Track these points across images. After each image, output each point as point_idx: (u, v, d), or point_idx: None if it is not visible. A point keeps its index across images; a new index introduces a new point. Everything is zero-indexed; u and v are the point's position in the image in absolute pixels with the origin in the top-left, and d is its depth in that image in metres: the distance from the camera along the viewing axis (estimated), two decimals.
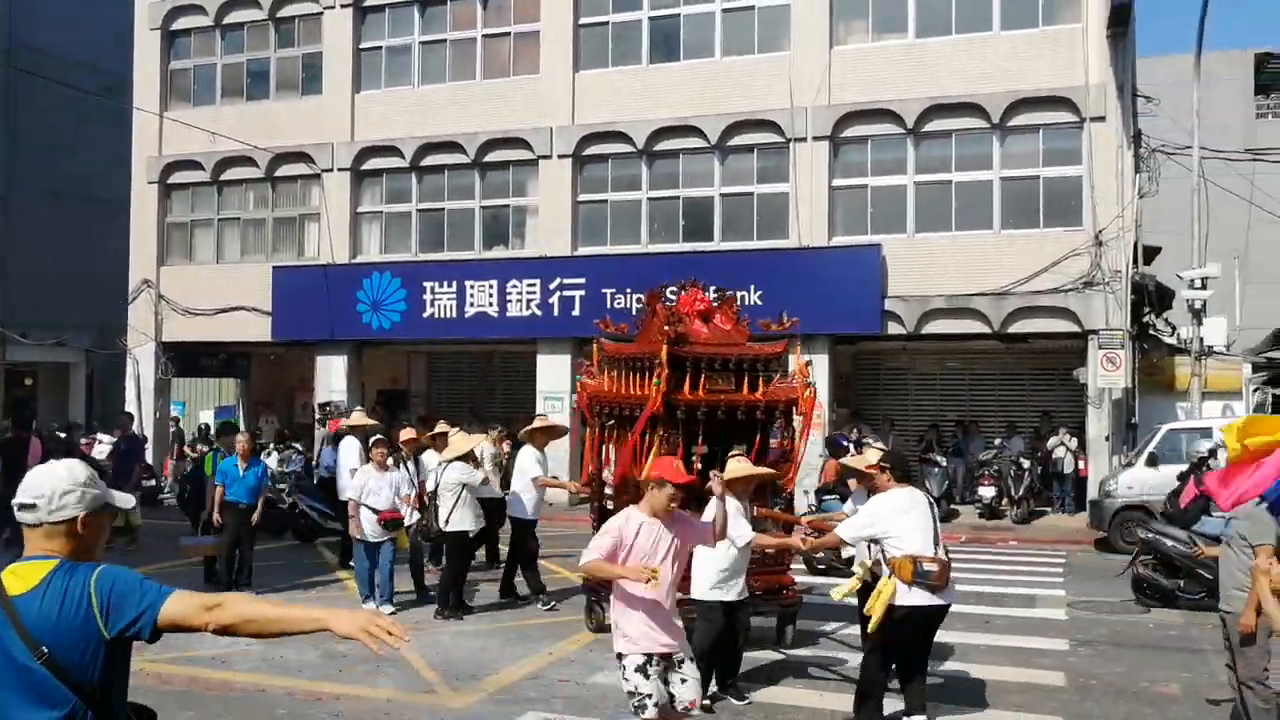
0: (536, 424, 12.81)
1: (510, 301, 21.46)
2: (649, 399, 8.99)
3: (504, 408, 23.65)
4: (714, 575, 7.69)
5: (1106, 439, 18.63)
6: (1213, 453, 13.41)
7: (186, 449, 24.15)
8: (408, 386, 27.42)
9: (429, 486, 11.84)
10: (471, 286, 21.74)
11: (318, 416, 22.59)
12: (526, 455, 12.18)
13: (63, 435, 19.69)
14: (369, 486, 11.42)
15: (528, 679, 8.77)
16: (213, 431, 23.98)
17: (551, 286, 21.16)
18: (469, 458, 11.66)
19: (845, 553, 9.62)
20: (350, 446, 14.03)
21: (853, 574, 8.28)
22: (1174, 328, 22.74)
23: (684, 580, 6.81)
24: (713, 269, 16.82)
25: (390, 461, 11.81)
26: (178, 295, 24.53)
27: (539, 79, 21.89)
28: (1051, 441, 20.17)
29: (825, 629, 10.41)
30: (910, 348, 22.26)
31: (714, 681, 7.87)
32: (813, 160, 19.95)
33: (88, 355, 28.88)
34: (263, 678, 8.75)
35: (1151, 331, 21.85)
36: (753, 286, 18.82)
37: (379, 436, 12.55)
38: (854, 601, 8.18)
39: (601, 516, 10.49)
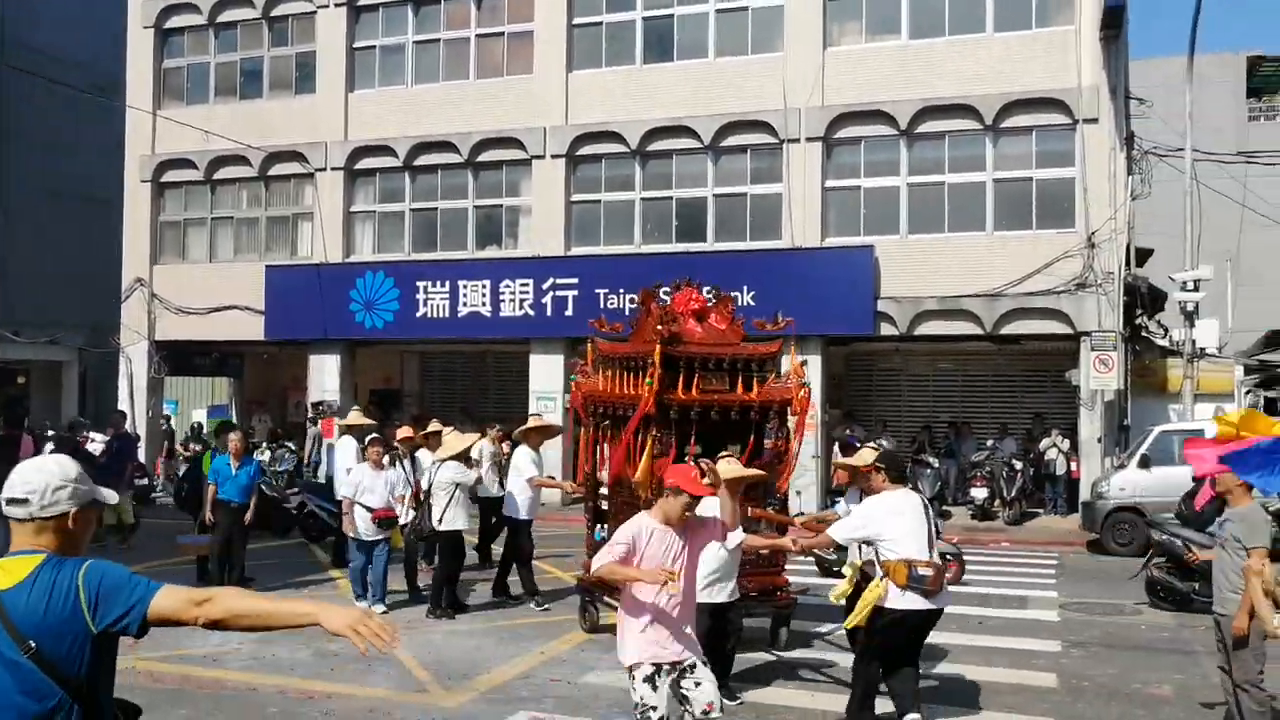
0: (531, 424, 12.81)
1: (503, 301, 21.45)
2: (642, 399, 8.97)
3: (497, 408, 23.62)
4: (702, 578, 7.65)
5: (1099, 441, 18.65)
6: None
7: (179, 448, 24.11)
8: (401, 386, 27.39)
9: (423, 486, 11.85)
10: (464, 286, 21.73)
11: (309, 415, 22.55)
12: (522, 455, 12.19)
13: (66, 433, 19.63)
14: (364, 485, 11.43)
15: (519, 678, 8.76)
16: (206, 430, 23.97)
17: (544, 286, 21.15)
18: (462, 457, 11.66)
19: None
20: (347, 446, 14.04)
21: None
22: (1166, 330, 22.80)
23: None
24: (706, 269, 16.76)
25: (386, 460, 11.81)
26: (171, 294, 24.48)
27: (532, 79, 21.88)
28: (1044, 443, 20.20)
29: (820, 630, 10.40)
30: (903, 349, 22.28)
31: None
32: (806, 161, 19.96)
33: (80, 354, 28.81)
34: (254, 676, 8.73)
35: (1144, 333, 21.88)
36: (746, 287, 18.81)
37: (374, 435, 12.54)
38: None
39: (596, 516, 10.50)
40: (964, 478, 20.69)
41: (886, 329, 19.48)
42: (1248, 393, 22.46)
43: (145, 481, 20.64)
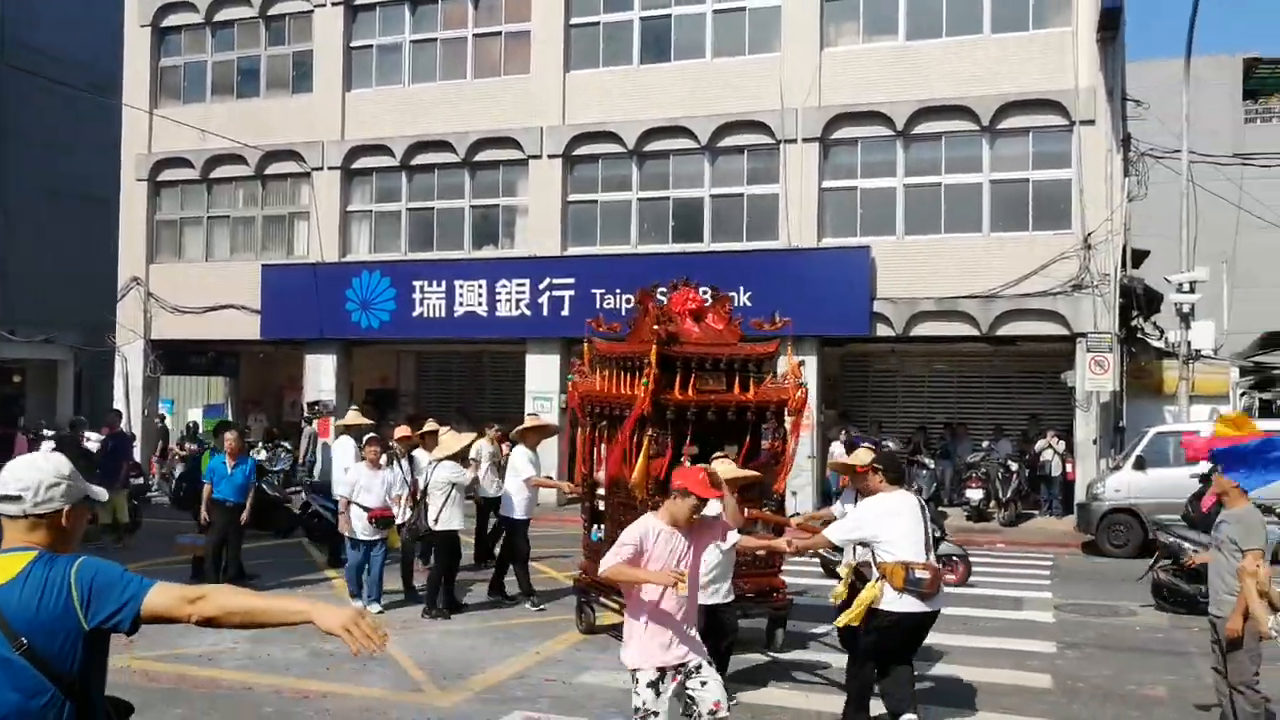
0: (528, 423, 12.84)
1: (499, 301, 21.43)
2: (638, 399, 8.97)
3: (493, 407, 23.61)
4: (701, 578, 7.65)
5: (1094, 442, 18.67)
6: None
7: (174, 447, 24.09)
8: (397, 386, 27.38)
9: (420, 485, 11.85)
10: (461, 286, 21.72)
11: (305, 415, 22.55)
12: (519, 455, 12.19)
13: (68, 432, 19.60)
14: (360, 484, 11.42)
15: (514, 678, 8.75)
16: (202, 430, 23.95)
17: (541, 286, 21.14)
18: (459, 457, 11.66)
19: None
20: (345, 445, 14.06)
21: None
22: (1162, 331, 22.85)
23: None
24: (702, 270, 16.74)
25: (384, 460, 11.81)
26: (166, 293, 24.45)
27: (530, 79, 21.88)
28: (1039, 444, 20.22)
29: (816, 631, 10.40)
30: (899, 350, 22.29)
31: None
32: (803, 161, 19.97)
33: (76, 353, 28.77)
34: (250, 675, 8.72)
35: (1140, 335, 21.93)
36: (742, 287, 18.79)
37: (371, 435, 12.55)
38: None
39: (593, 517, 10.48)
40: (959, 479, 20.71)
41: (882, 330, 19.48)
42: (1243, 394, 22.46)
43: (141, 481, 20.63)
